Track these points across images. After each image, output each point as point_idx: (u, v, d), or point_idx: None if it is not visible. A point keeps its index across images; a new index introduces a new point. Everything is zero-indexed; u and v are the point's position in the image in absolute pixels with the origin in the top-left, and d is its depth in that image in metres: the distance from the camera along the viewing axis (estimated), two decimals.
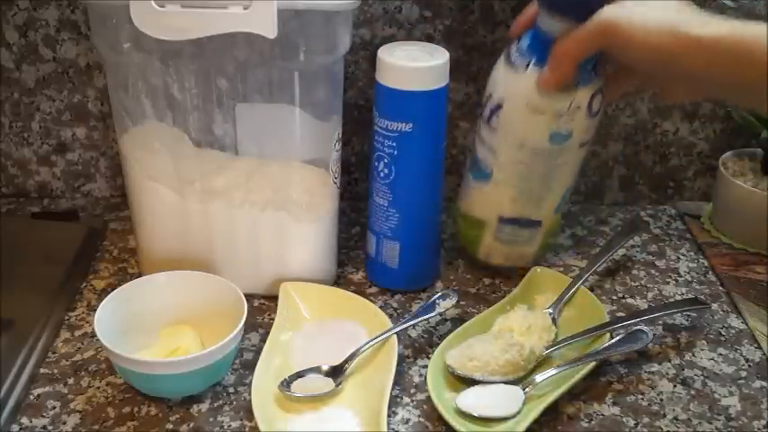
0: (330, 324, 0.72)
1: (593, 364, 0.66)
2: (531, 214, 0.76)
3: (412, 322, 0.71)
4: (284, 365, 0.67)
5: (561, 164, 0.72)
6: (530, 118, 0.69)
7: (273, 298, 0.74)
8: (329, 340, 0.70)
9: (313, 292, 0.74)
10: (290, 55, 0.66)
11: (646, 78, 0.70)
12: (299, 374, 0.66)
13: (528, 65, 0.68)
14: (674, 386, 0.68)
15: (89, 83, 0.87)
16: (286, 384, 0.65)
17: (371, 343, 0.68)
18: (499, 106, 0.70)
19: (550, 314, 0.72)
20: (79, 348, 0.70)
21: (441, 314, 0.73)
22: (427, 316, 0.72)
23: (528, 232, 0.77)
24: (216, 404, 0.65)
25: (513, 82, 0.69)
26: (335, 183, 0.74)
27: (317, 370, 0.66)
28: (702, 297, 0.79)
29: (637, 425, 0.64)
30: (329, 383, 0.65)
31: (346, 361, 0.67)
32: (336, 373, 0.66)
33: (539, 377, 0.65)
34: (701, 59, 0.58)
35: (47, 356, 0.69)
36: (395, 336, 0.68)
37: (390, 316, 0.73)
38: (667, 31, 0.59)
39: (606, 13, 0.62)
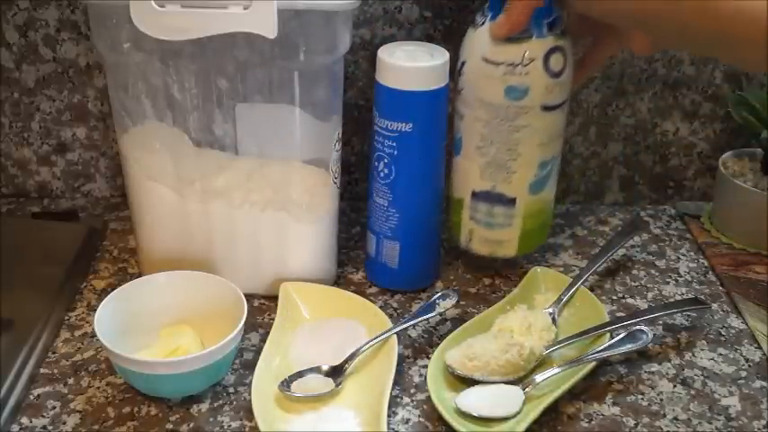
0: (330, 324, 0.72)
1: (593, 364, 0.66)
2: (502, 188, 0.74)
3: (412, 322, 0.71)
4: (284, 365, 0.67)
5: (523, 127, 0.71)
6: (485, 70, 0.70)
7: (273, 298, 0.74)
8: (329, 340, 0.70)
9: (313, 292, 0.74)
10: (290, 55, 0.66)
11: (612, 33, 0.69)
12: (299, 374, 0.66)
13: (486, 20, 0.69)
14: (674, 386, 0.68)
15: (89, 83, 0.87)
16: (286, 384, 0.65)
17: (371, 343, 0.68)
18: (463, 64, 0.72)
19: (550, 314, 0.72)
20: (79, 348, 0.70)
21: (441, 314, 0.73)
22: (427, 316, 0.71)
23: (502, 211, 0.75)
24: (216, 404, 0.65)
25: (472, 38, 0.71)
26: (335, 183, 0.74)
27: (317, 370, 0.66)
28: (702, 297, 0.79)
29: (637, 425, 0.64)
30: (329, 383, 0.65)
31: (346, 361, 0.67)
32: (336, 373, 0.66)
33: (539, 377, 0.65)
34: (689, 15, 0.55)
35: (47, 356, 0.69)
36: (395, 336, 0.68)
37: (390, 316, 0.73)
38: None
39: None
